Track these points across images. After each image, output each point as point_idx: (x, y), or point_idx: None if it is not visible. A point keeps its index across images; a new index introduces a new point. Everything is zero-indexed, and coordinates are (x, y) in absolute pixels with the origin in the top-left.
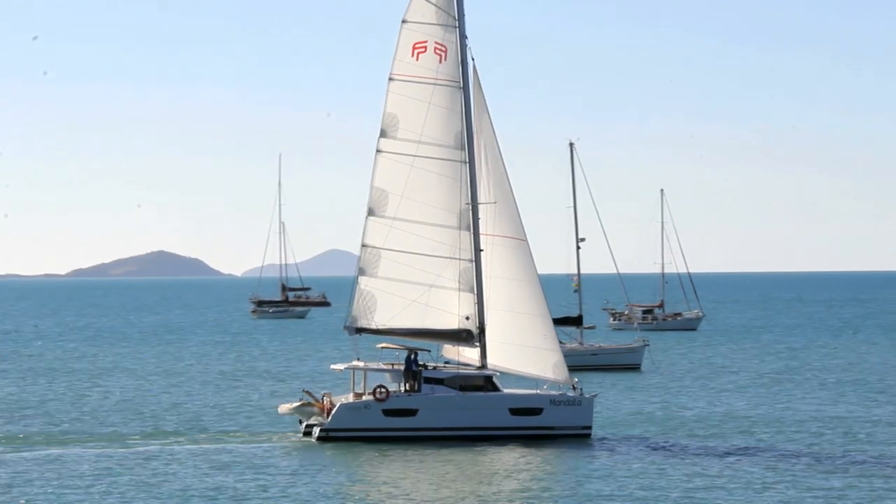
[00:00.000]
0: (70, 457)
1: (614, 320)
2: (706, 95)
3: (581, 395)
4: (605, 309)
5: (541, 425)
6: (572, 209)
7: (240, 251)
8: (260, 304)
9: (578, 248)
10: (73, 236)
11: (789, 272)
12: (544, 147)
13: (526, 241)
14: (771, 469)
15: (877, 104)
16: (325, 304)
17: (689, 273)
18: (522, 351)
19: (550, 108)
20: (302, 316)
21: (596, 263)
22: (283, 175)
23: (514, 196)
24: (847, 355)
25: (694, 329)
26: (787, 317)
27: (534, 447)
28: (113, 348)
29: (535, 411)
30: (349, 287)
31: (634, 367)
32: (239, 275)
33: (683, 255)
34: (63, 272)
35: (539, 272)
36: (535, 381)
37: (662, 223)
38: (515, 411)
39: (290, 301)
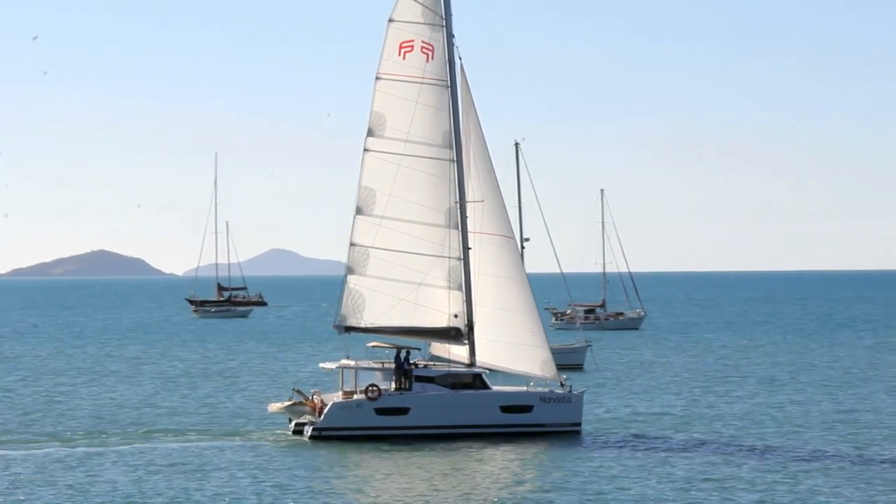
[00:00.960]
0: (61, 455)
1: (556, 320)
2: (648, 96)
3: (570, 391)
4: (547, 309)
5: (531, 422)
6: (517, 209)
7: (181, 251)
8: (201, 303)
9: (523, 247)
10: (13, 235)
11: (730, 271)
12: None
13: (514, 238)
14: (747, 464)
15: (816, 102)
16: (261, 303)
17: (630, 273)
18: (511, 348)
19: (496, 107)
20: (244, 315)
21: (540, 263)
22: (228, 175)
23: (501, 194)
24: (786, 353)
25: (636, 328)
26: (727, 315)
27: (525, 444)
28: (84, 348)
29: (526, 408)
30: (291, 287)
31: (577, 367)
32: (180, 274)
33: (624, 255)
34: (3, 271)
35: None
36: (524, 378)
37: (603, 223)
38: (506, 409)
39: (231, 300)
